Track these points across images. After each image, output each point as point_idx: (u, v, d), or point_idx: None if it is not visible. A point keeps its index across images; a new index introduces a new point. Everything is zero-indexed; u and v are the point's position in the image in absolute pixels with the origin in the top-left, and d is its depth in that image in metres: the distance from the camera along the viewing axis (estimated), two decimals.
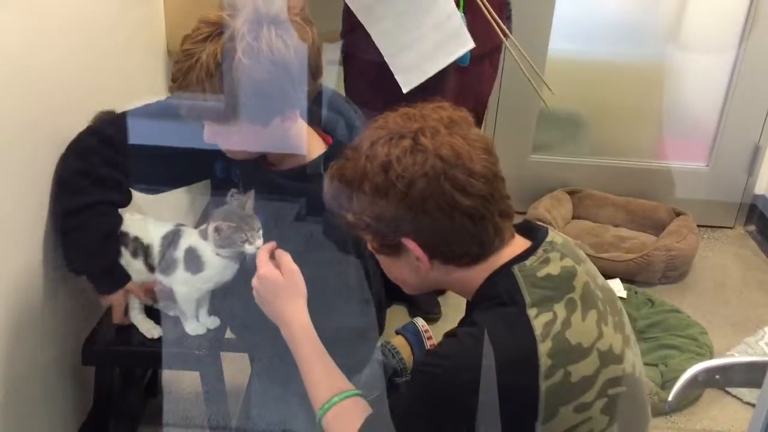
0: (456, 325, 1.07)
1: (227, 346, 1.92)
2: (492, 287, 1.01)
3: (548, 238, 1.05)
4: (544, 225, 1.10)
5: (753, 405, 2.13)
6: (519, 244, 1.05)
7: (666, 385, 2.07)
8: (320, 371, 1.14)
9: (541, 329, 0.96)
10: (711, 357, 2.26)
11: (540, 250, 1.02)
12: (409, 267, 1.04)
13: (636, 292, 2.50)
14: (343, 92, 2.69)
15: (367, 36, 1.89)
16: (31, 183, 1.48)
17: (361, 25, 1.90)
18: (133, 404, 1.94)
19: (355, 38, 2.03)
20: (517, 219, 1.09)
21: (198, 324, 1.50)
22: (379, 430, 1.04)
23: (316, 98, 1.33)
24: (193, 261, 1.39)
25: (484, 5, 1.88)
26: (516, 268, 1.00)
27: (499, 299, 0.99)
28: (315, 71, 1.23)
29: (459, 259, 1.02)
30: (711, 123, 2.93)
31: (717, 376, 0.58)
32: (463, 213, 0.96)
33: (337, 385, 1.12)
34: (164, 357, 1.56)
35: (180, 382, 2.12)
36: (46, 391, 1.61)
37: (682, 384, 0.60)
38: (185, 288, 1.43)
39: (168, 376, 2.13)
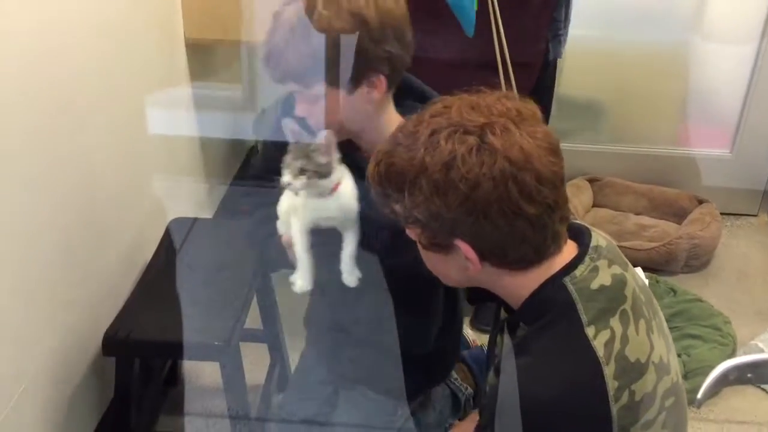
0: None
1: (246, 337, 1.93)
2: (543, 302, 0.95)
3: (593, 242, 0.99)
4: (584, 223, 1.04)
5: None
6: (566, 248, 0.99)
7: (688, 375, 2.04)
8: None
9: (603, 351, 0.91)
10: (734, 347, 2.23)
11: (587, 258, 0.97)
12: (457, 266, 0.98)
13: (658, 281, 2.47)
14: None
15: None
16: (50, 173, 1.48)
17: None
18: (153, 394, 1.95)
19: None
20: None
21: (307, 273, 1.27)
22: None
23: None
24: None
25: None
26: (568, 281, 0.94)
27: (552, 317, 0.94)
28: (400, 37, 1.16)
29: (513, 264, 0.95)
30: (734, 110, 2.87)
31: (749, 374, 0.56)
32: (526, 219, 0.90)
33: None
34: (184, 348, 1.56)
35: (200, 372, 2.13)
36: (67, 382, 1.63)
37: (713, 381, 0.58)
38: (292, 216, 1.28)
39: (188, 366, 2.14)
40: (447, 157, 0.89)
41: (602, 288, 0.94)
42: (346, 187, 1.21)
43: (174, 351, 1.63)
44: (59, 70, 1.50)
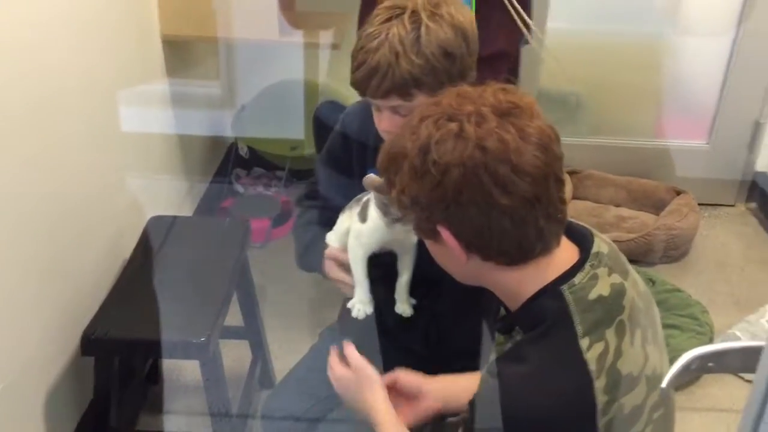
0: None
1: (227, 334, 1.93)
2: (539, 310, 0.94)
3: (594, 248, 0.97)
4: (587, 227, 1.01)
5: None
6: (566, 251, 0.98)
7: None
8: None
9: (596, 364, 0.89)
10: (712, 336, 2.26)
11: (587, 266, 0.95)
12: (450, 256, 0.97)
13: (637, 272, 2.49)
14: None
15: None
16: (25, 173, 1.47)
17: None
18: (133, 393, 1.94)
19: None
20: None
21: (366, 298, 1.28)
22: None
23: None
24: (363, 211, 1.28)
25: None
26: (566, 289, 0.93)
27: (547, 325, 0.93)
28: (475, 50, 1.24)
29: (497, 258, 0.94)
30: (711, 101, 2.90)
31: (710, 363, 0.57)
32: (501, 211, 0.88)
33: None
34: (164, 346, 1.55)
35: (181, 370, 2.13)
36: (46, 382, 1.62)
37: (676, 371, 0.59)
38: (353, 240, 1.29)
39: (168, 364, 2.13)
40: (424, 141, 0.90)
41: (600, 298, 0.93)
42: None
43: (153, 349, 1.63)
44: (33, 67, 1.49)
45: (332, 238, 1.36)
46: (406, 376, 1.22)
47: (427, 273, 1.26)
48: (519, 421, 0.90)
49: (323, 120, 2.82)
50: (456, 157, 0.88)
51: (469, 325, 1.29)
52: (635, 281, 1.01)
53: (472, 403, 1.00)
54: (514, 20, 1.92)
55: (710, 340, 2.25)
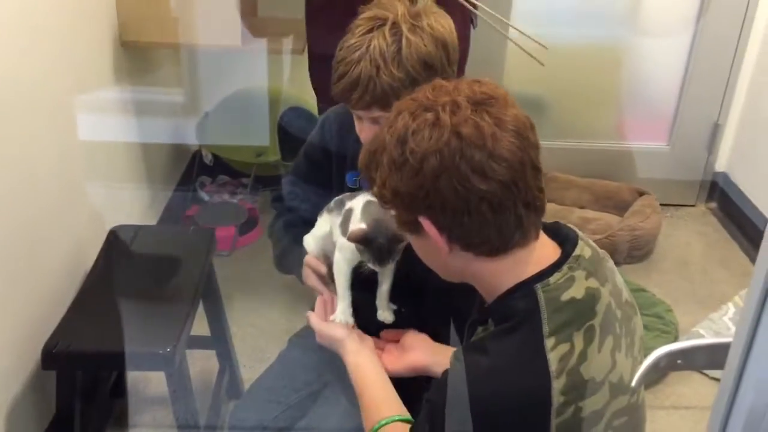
0: None
1: (193, 344, 1.90)
2: (511, 305, 0.95)
3: (576, 251, 0.97)
4: (574, 230, 1.02)
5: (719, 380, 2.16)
6: (547, 249, 0.98)
7: None
8: (368, 397, 1.16)
9: (556, 364, 0.90)
10: (677, 334, 2.29)
11: (566, 267, 0.95)
12: (432, 249, 0.97)
13: None
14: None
15: (331, 24, 1.86)
16: None
17: (325, 13, 1.86)
18: (98, 408, 1.90)
19: (317, 27, 2.00)
20: None
21: (349, 311, 1.27)
22: None
23: None
24: (346, 224, 1.26)
25: None
26: (539, 287, 0.93)
27: (516, 321, 0.93)
28: (456, 59, 1.25)
29: (477, 248, 0.94)
30: (670, 103, 2.96)
31: (679, 361, 0.57)
32: (480, 198, 0.89)
33: (383, 412, 1.12)
34: (128, 358, 1.52)
35: (146, 382, 2.09)
36: (5, 398, 1.57)
37: (644, 370, 0.59)
38: (338, 254, 1.28)
39: (133, 376, 2.09)
40: (401, 132, 0.92)
41: (572, 300, 0.93)
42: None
43: (117, 362, 1.59)
44: None
45: (310, 241, 1.36)
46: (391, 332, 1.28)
47: (409, 279, 1.28)
48: (473, 409, 0.91)
49: (287, 127, 2.81)
50: (432, 144, 0.89)
51: (451, 331, 1.30)
52: (618, 290, 1.01)
53: (437, 380, 1.02)
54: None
55: (675, 339, 2.28)
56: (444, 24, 1.23)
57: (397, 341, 1.29)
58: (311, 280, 1.36)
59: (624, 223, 2.69)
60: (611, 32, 2.91)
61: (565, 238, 1.00)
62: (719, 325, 2.33)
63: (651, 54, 2.91)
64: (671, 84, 2.92)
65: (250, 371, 2.12)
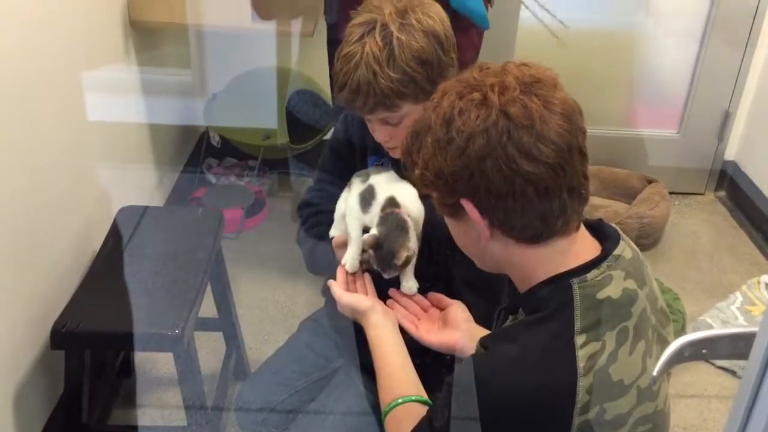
0: None
1: (201, 326, 1.90)
2: (544, 297, 0.93)
3: (617, 250, 0.95)
4: (617, 229, 1.00)
5: (725, 369, 2.16)
6: (587, 245, 0.96)
7: None
8: (387, 374, 1.14)
9: (585, 362, 0.88)
10: (684, 323, 2.29)
11: (604, 265, 0.93)
12: (472, 234, 0.96)
13: None
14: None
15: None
16: None
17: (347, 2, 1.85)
18: (106, 387, 1.91)
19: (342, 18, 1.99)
20: None
21: (357, 254, 1.29)
22: None
23: None
24: (367, 195, 1.31)
25: None
26: (576, 282, 0.91)
27: (548, 313, 0.92)
28: (452, 44, 1.25)
29: (519, 233, 0.92)
30: (681, 90, 2.93)
31: (704, 350, 0.57)
32: (525, 180, 0.87)
33: (400, 390, 1.11)
34: (136, 338, 1.53)
35: (154, 363, 2.10)
36: (15, 377, 1.58)
37: (667, 357, 0.58)
38: (353, 201, 1.32)
39: (141, 357, 2.10)
40: (447, 112, 0.90)
41: (608, 300, 0.91)
42: (407, 197, 1.24)
43: (125, 342, 1.59)
44: None
45: (335, 231, 1.38)
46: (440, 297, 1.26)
47: (437, 257, 1.28)
48: (495, 398, 0.90)
49: (294, 110, 2.80)
50: (479, 124, 0.87)
51: (480, 311, 1.28)
52: (655, 296, 1.00)
53: (460, 365, 1.00)
54: None
55: (683, 328, 2.28)
56: (433, 14, 1.23)
57: (441, 309, 1.25)
58: (341, 254, 1.34)
59: (632, 211, 2.68)
60: (622, 18, 2.89)
61: (606, 237, 0.98)
62: (726, 314, 2.33)
63: (663, 40, 2.89)
64: (682, 71, 2.90)
65: (256, 353, 2.12)
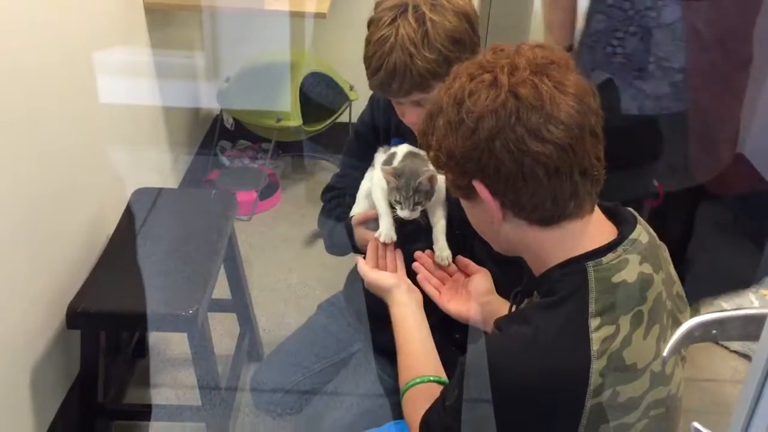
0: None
1: (215, 307, 1.92)
2: (560, 280, 0.93)
3: (633, 234, 0.94)
4: (633, 213, 0.99)
5: (739, 353, 2.15)
6: (603, 228, 0.96)
7: None
8: (407, 353, 1.16)
9: (599, 345, 0.88)
10: (698, 307, 2.28)
11: (620, 248, 0.92)
12: (485, 216, 0.96)
13: None
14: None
15: None
16: (4, 148, 1.44)
17: None
18: (121, 367, 1.93)
19: None
20: None
21: (391, 226, 1.31)
22: (433, 418, 1.03)
23: None
24: (391, 160, 1.34)
25: None
26: (591, 265, 0.91)
27: (562, 296, 0.91)
28: (478, 25, 1.26)
29: (531, 214, 0.92)
30: None
31: (714, 331, 0.57)
32: (534, 160, 0.87)
33: (418, 370, 1.12)
34: (150, 319, 1.54)
35: (168, 343, 2.12)
36: (32, 356, 1.60)
37: (678, 339, 0.58)
38: (377, 179, 1.35)
39: (156, 337, 2.12)
40: (458, 93, 0.91)
41: (623, 283, 0.91)
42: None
43: (140, 323, 1.61)
44: (11, 38, 1.45)
45: (356, 209, 1.40)
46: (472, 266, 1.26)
47: (464, 230, 1.26)
48: (508, 379, 0.90)
49: (308, 93, 2.79)
50: (489, 105, 0.88)
51: (504, 283, 1.28)
52: (671, 280, 0.99)
53: (475, 345, 1.00)
54: None
55: (696, 311, 2.26)
56: None
57: (467, 275, 1.26)
58: (360, 231, 1.37)
59: None
60: None
61: (623, 220, 0.98)
62: (742, 299, 2.31)
63: None
64: None
65: (269, 335, 2.14)
